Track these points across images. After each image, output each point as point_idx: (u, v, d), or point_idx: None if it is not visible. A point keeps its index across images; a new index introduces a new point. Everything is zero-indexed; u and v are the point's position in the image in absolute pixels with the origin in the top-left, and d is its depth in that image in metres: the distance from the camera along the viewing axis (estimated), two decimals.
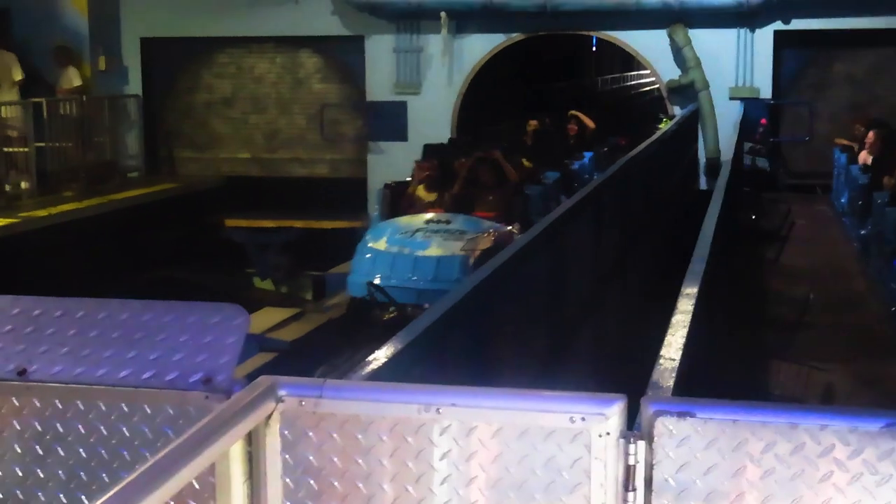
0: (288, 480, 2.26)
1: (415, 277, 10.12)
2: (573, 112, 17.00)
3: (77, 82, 16.89)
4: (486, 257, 7.77)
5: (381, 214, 11.98)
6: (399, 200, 12.13)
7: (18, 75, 15.86)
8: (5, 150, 14.93)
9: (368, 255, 10.52)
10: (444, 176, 12.05)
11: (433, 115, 17.97)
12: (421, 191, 12.01)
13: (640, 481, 2.13)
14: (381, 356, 3.33)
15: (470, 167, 11.98)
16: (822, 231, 14.32)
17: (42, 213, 14.18)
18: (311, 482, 2.26)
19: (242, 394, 2.22)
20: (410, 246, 10.43)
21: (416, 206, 11.67)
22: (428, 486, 2.21)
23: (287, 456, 2.26)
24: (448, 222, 10.77)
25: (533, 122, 16.44)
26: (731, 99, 17.47)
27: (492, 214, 11.20)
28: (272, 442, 2.26)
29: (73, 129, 16.35)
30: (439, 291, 8.54)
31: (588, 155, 16.02)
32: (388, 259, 10.35)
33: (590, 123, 16.81)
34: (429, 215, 11.11)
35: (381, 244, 10.61)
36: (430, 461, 2.21)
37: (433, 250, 10.30)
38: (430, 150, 15.61)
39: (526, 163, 13.36)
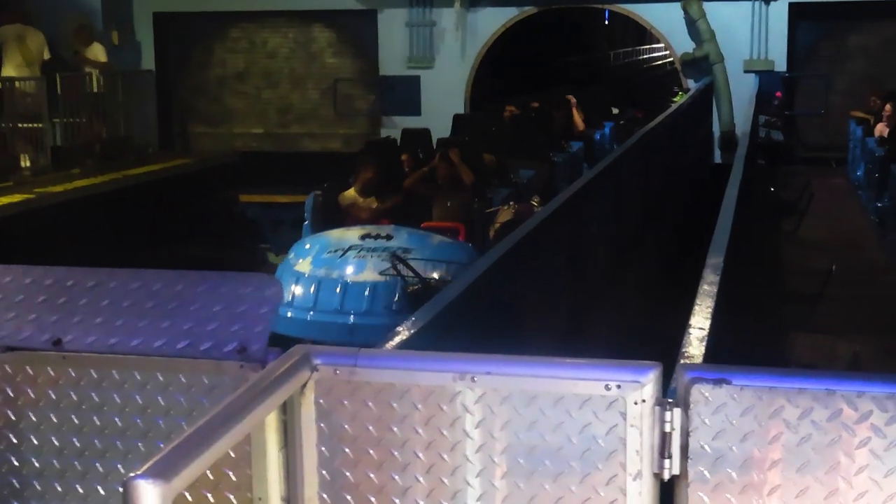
0: (323, 449, 2.27)
1: (343, 309, 8.25)
2: (570, 98, 15.39)
3: (103, 58, 16.89)
4: (506, 230, 7.45)
5: (310, 226, 9.75)
6: (335, 208, 9.74)
7: (46, 54, 15.78)
8: (20, 125, 14.94)
9: (289, 281, 8.46)
10: (386, 178, 9.83)
11: (446, 90, 17.93)
12: (357, 196, 9.74)
13: (675, 448, 2.13)
14: (408, 328, 3.34)
15: (432, 166, 10.04)
16: (838, 204, 14.29)
17: (57, 188, 14.20)
18: (347, 450, 2.26)
19: (277, 363, 2.22)
20: (339, 268, 8.44)
21: (353, 216, 9.55)
22: (463, 453, 2.22)
23: (322, 424, 2.26)
24: (389, 237, 8.68)
25: (510, 108, 14.67)
26: (746, 72, 17.40)
27: (450, 225, 9.12)
28: (307, 411, 2.27)
29: (88, 104, 16.35)
30: (374, 327, 7.22)
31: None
32: (311, 285, 8.41)
33: (579, 124, 15.09)
34: (366, 229, 8.95)
35: (305, 265, 8.63)
36: (465, 429, 2.21)
37: (366, 275, 8.33)
38: (408, 137, 13.56)
39: (488, 157, 10.96)
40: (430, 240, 8.70)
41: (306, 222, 9.89)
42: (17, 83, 15.11)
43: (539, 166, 11.85)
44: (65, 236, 12.97)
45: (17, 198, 13.35)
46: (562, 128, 14.27)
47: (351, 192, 9.79)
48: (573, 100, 15.36)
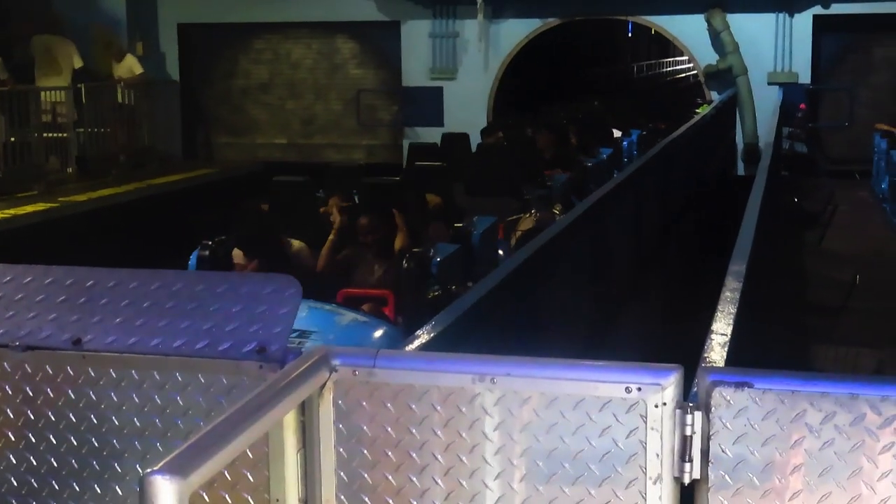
0: (341, 450, 2.26)
1: None
2: (567, 124, 13.47)
3: (138, 70, 17.00)
4: (527, 238, 7.37)
5: None
6: (227, 269, 7.09)
7: (78, 62, 15.83)
8: (46, 135, 15.04)
9: None
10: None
11: (469, 101, 17.95)
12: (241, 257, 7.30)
13: (696, 452, 2.11)
14: (427, 332, 3.33)
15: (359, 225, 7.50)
16: (863, 216, 14.20)
17: (81, 197, 14.28)
18: (365, 452, 2.25)
19: (296, 363, 2.21)
20: None
21: None
22: (482, 456, 2.20)
23: (340, 425, 2.26)
24: None
25: (496, 135, 12.69)
26: (770, 84, 17.34)
27: (376, 293, 7.12)
28: (325, 412, 2.26)
29: (113, 114, 16.45)
30: None
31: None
32: None
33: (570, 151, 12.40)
34: None
35: None
36: (484, 431, 2.20)
37: None
38: (415, 152, 11.77)
39: (431, 198, 8.96)
40: (339, 319, 6.55)
41: None
42: (43, 93, 15.22)
43: (506, 204, 9.37)
44: (88, 245, 13.03)
45: (41, 206, 13.43)
46: (551, 156, 11.91)
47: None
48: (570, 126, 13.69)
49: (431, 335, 3.20)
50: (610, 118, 15.98)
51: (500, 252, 8.13)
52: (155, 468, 1.67)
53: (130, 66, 17.01)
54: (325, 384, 2.25)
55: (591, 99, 16.46)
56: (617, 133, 15.41)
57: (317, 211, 8.78)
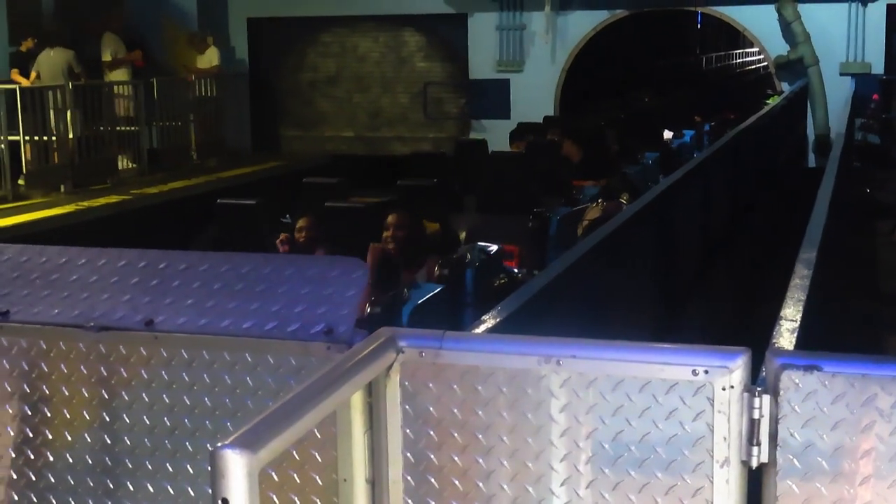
0: (408, 431, 2.28)
1: None
2: (603, 127, 12.11)
3: (216, 61, 17.25)
4: (594, 228, 7.21)
5: None
6: None
7: (76, 68, 14.80)
8: (118, 129, 15.28)
9: None
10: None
11: (536, 93, 17.89)
12: None
13: (764, 435, 2.09)
14: (493, 317, 3.34)
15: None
16: None
17: (153, 190, 14.49)
18: (431, 433, 2.27)
19: (363, 344, 2.24)
20: None
21: None
22: (548, 438, 2.21)
23: (407, 406, 2.27)
24: None
25: (517, 144, 11.37)
26: (842, 75, 17.06)
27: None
28: (392, 393, 2.28)
29: (184, 108, 16.67)
30: None
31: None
32: None
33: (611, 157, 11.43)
34: None
35: None
36: (550, 413, 2.20)
37: None
38: (463, 149, 10.70)
39: (431, 226, 7.74)
40: None
41: None
42: (115, 88, 15.46)
43: (520, 226, 8.22)
44: (159, 237, 13.20)
45: (114, 199, 13.66)
46: (580, 164, 10.84)
47: None
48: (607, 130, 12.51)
49: (498, 319, 3.21)
50: (659, 116, 15.38)
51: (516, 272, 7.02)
52: (225, 442, 1.70)
53: (211, 57, 17.26)
54: (391, 365, 2.27)
55: (642, 94, 16.09)
56: (668, 134, 14.69)
57: (267, 237, 7.59)
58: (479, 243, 7.07)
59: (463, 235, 7.85)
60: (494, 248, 7.03)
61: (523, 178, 9.16)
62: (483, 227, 8.05)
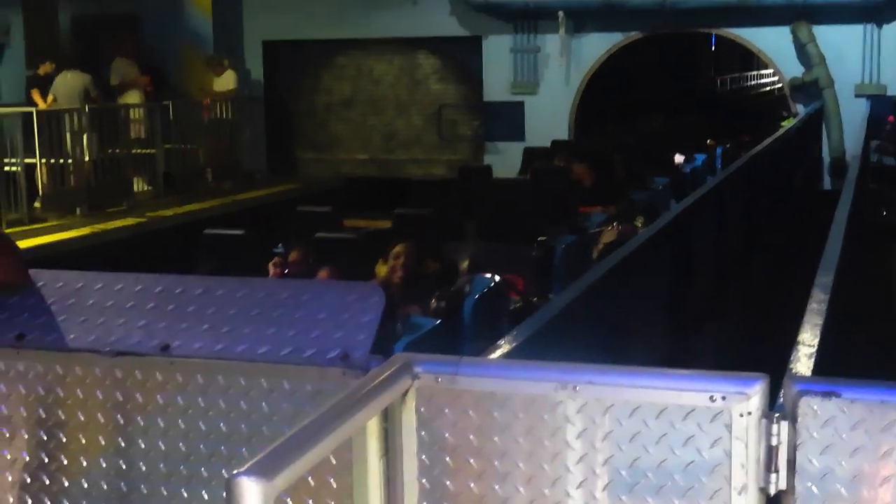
0: (424, 457, 2.27)
1: None
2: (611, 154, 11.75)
3: (233, 84, 17.33)
4: (609, 251, 7.16)
5: None
6: None
7: (93, 91, 14.97)
8: (133, 151, 15.35)
9: None
10: None
11: (550, 116, 17.92)
12: None
13: (782, 462, 2.08)
14: (509, 342, 3.33)
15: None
16: None
17: (167, 212, 14.54)
18: (447, 459, 2.26)
19: (379, 370, 2.23)
20: None
21: None
22: (564, 464, 2.19)
23: (423, 432, 2.26)
24: None
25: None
26: (857, 96, 17.03)
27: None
28: (408, 418, 2.27)
29: (199, 130, 16.74)
30: None
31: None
32: None
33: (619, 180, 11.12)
34: None
35: None
36: (566, 439, 2.19)
37: None
38: (466, 175, 10.42)
39: (433, 265, 7.26)
40: None
41: None
42: (131, 111, 15.55)
43: (523, 255, 8.01)
44: (174, 260, 13.22)
45: (129, 221, 13.71)
46: (588, 190, 10.51)
47: None
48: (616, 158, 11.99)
49: (513, 344, 3.21)
50: (670, 140, 15.27)
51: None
52: (241, 470, 1.70)
53: (228, 80, 17.35)
54: (407, 391, 2.26)
55: (653, 118, 16.05)
56: (679, 158, 14.42)
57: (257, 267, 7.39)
58: (480, 274, 6.91)
59: (465, 264, 7.60)
60: (497, 278, 6.85)
61: (527, 206, 8.94)
62: (486, 255, 7.88)
